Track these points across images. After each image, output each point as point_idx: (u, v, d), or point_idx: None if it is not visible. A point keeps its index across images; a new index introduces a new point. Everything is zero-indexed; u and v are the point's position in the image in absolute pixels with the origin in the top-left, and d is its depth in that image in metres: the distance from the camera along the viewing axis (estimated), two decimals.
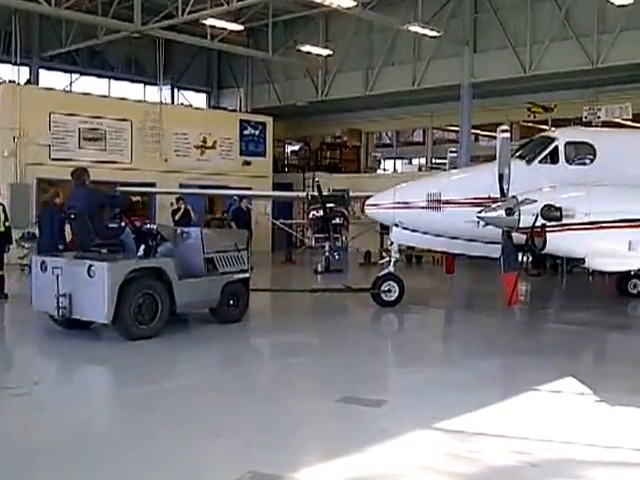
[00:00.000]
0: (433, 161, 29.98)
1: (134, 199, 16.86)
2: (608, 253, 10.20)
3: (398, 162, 33.59)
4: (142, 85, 31.79)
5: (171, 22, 23.80)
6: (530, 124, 26.19)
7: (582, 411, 6.67)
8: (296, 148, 34.09)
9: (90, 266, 9.09)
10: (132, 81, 31.66)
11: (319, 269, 19.47)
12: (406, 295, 12.98)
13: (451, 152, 16.22)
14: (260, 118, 29.22)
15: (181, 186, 24.75)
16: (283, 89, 31.49)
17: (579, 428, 6.13)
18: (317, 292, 15.02)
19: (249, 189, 25.62)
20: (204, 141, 27.06)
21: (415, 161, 33.05)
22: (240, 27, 25.63)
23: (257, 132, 28.60)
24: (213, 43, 26.88)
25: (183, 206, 19.89)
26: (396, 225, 12.40)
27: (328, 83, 29.69)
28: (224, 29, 25.29)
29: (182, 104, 32.27)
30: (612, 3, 20.03)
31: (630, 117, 22.28)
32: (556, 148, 12.41)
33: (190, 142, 26.68)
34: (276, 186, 28.70)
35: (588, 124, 21.83)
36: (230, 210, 22.16)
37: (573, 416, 6.52)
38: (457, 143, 26.47)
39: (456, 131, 27.64)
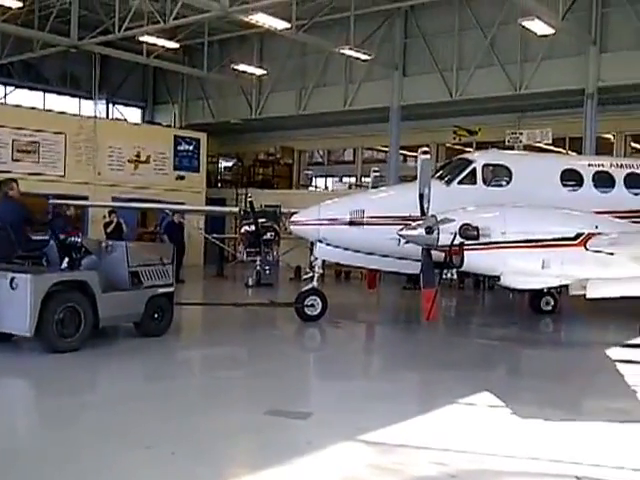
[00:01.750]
0: (363, 179, 30.68)
1: (68, 212, 16.73)
2: (522, 271, 10.51)
3: (329, 180, 34.26)
4: (77, 99, 31.62)
5: (107, 38, 23.89)
6: (457, 146, 27.18)
7: (498, 423, 6.84)
8: (230, 164, 34.40)
9: (13, 278, 8.97)
10: (67, 95, 31.46)
11: (250, 283, 19.76)
12: (331, 310, 13.18)
13: (374, 172, 16.74)
14: (194, 134, 29.41)
15: (114, 199, 24.70)
16: (217, 106, 31.80)
17: (495, 439, 6.29)
18: (242, 306, 15.11)
19: (182, 203, 25.74)
20: (138, 155, 27.08)
21: (346, 179, 33.75)
22: (176, 45, 25.91)
23: (191, 148, 28.78)
24: (149, 60, 27.09)
25: (115, 219, 19.89)
26: (320, 241, 12.58)
27: (262, 102, 30.18)
28: (160, 46, 25.49)
29: (117, 119, 32.21)
30: (534, 33, 21.07)
31: (550, 141, 23.39)
32: (474, 170, 12.90)
33: (124, 156, 26.68)
34: (209, 201, 28.91)
35: (510, 148, 22.81)
36: (163, 224, 22.24)
37: (490, 428, 6.69)
38: (386, 163, 27.30)
39: (385, 151, 28.46)
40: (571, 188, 13.32)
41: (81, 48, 24.62)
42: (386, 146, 27.73)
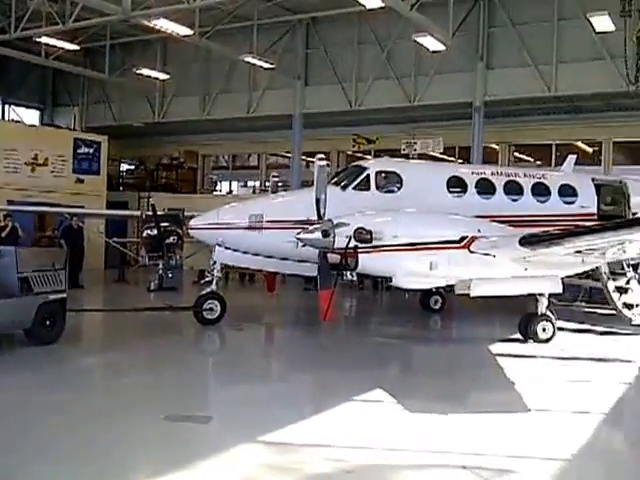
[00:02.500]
0: (267, 184, 31.21)
1: None
2: (412, 272, 10.96)
3: (234, 184, 34.56)
4: None
5: (4, 37, 23.34)
6: (357, 154, 28.15)
7: (392, 419, 7.08)
8: (132, 167, 34.07)
9: None
10: None
11: (152, 287, 19.68)
12: (232, 312, 13.24)
13: (273, 177, 17.16)
14: (95, 137, 29.02)
15: (9, 203, 24.04)
16: (119, 109, 31.57)
17: (390, 435, 6.52)
18: (139, 311, 14.87)
19: (82, 207, 25.36)
20: (35, 158, 26.44)
21: (250, 184, 34.18)
22: (76, 47, 25.61)
23: (91, 150, 28.35)
24: (47, 61, 26.56)
25: (10, 223, 19.38)
26: (219, 245, 12.69)
27: (165, 106, 30.25)
28: (59, 48, 25.13)
29: (13, 120, 31.29)
30: (427, 49, 22.23)
31: (442, 150, 24.73)
32: (368, 176, 13.39)
33: (20, 159, 26.01)
34: (111, 205, 28.56)
35: (406, 156, 23.90)
36: (61, 228, 21.90)
37: (384, 424, 6.92)
38: (289, 168, 27.96)
39: (288, 157, 29.11)
40: (456, 194, 14.00)
41: None
42: (289, 152, 28.39)
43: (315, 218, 11.34)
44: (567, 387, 9.00)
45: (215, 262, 13.04)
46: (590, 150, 25.98)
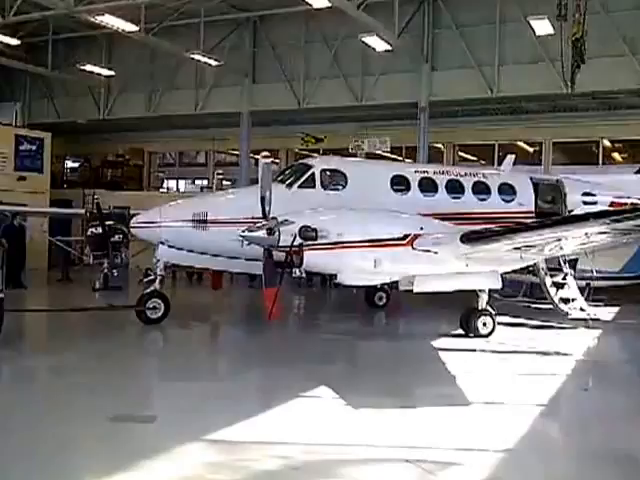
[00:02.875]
0: (215, 182, 31.09)
1: None
2: (357, 269, 11.06)
3: (181, 182, 34.30)
4: None
5: None
6: (305, 152, 28.28)
7: (337, 414, 7.16)
8: (76, 165, 33.47)
9: None
10: None
11: (97, 286, 19.45)
12: (178, 311, 13.12)
13: (218, 174, 17.13)
14: (38, 133, 28.41)
15: None
16: (63, 106, 30.95)
17: (335, 430, 6.61)
18: (79, 311, 14.53)
19: (24, 205, 24.82)
20: None
21: (198, 182, 33.99)
22: (16, 41, 25.00)
23: (34, 147, 27.77)
24: None
25: None
26: (162, 243, 12.57)
27: (110, 102, 29.79)
28: (0, 42, 24.52)
29: None
30: (374, 49, 22.51)
31: (389, 150, 25.00)
32: (313, 174, 13.48)
33: None
34: (55, 202, 28.03)
35: (354, 155, 24.11)
36: (1, 226, 21.40)
37: (330, 420, 6.99)
38: (238, 166, 27.91)
39: (237, 155, 29.04)
40: (400, 192, 14.20)
41: None
42: (238, 150, 28.33)
43: (260, 216, 11.34)
44: (507, 380, 9.25)
45: (158, 260, 12.91)
46: (531, 150, 26.72)
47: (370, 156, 24.44)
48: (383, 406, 7.48)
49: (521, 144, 26.74)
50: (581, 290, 16.91)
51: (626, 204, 16.00)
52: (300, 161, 15.16)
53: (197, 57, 24.31)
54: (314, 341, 12.38)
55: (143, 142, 32.97)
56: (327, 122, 27.48)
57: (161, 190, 33.89)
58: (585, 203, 16.00)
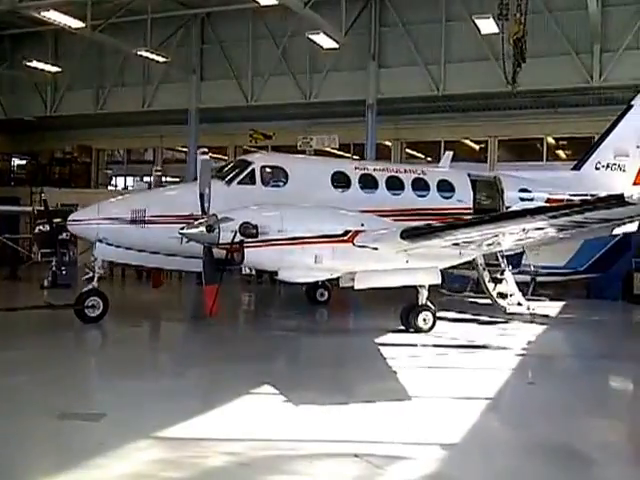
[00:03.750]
0: (163, 179, 30.97)
1: None
2: (297, 266, 10.99)
3: (129, 179, 34.03)
4: None
5: None
6: (253, 149, 28.33)
7: (283, 411, 7.15)
8: (23, 162, 32.95)
9: None
10: None
11: (45, 284, 19.26)
12: (123, 309, 13.01)
13: (156, 171, 17.00)
14: None
15: None
16: (9, 102, 30.45)
17: (282, 426, 6.59)
18: (16, 310, 13.99)
19: None
20: None
21: (146, 178, 33.77)
22: None
23: None
24: None
25: None
26: (100, 241, 12.30)
27: (57, 99, 29.43)
28: None
29: None
30: (321, 46, 22.77)
31: (337, 147, 25.30)
32: (253, 171, 13.31)
33: None
34: (1, 200, 27.52)
35: (302, 152, 24.29)
36: None
37: (276, 416, 6.98)
38: (186, 163, 27.88)
39: (185, 152, 28.99)
40: (340, 189, 14.20)
41: None
42: (186, 147, 28.29)
43: (199, 213, 11.25)
44: (448, 374, 9.36)
45: (96, 258, 12.64)
46: (477, 147, 27.34)
47: (319, 153, 24.61)
48: (328, 402, 7.53)
49: (467, 142, 27.31)
50: (526, 285, 17.52)
51: (562, 200, 16.26)
52: (240, 157, 14.97)
53: (144, 54, 24.23)
54: (255, 338, 12.34)
55: (91, 139, 32.62)
56: (276, 119, 27.55)
57: (109, 187, 33.59)
58: (522, 199, 16.38)
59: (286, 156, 15.78)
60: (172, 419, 6.69)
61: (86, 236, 12.82)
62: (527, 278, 17.34)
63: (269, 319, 15.56)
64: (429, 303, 12.53)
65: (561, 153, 26.62)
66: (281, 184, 13.66)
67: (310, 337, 12.59)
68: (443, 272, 15.02)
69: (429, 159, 27.64)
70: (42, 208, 19.34)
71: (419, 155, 28.50)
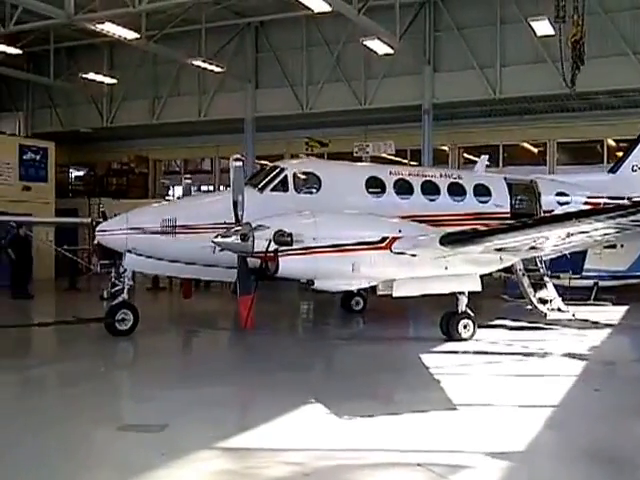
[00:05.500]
0: (221, 188, 31.08)
1: None
2: (334, 274, 10.69)
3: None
4: None
5: None
6: (313, 157, 28.20)
7: (335, 420, 7.02)
8: (81, 174, 33.50)
9: None
10: None
11: (105, 295, 19.39)
12: (154, 320, 12.80)
13: (186, 179, 16.82)
14: (41, 143, 28.43)
15: None
16: (66, 115, 31.03)
17: (340, 436, 6.51)
18: (47, 326, 13.87)
19: (29, 215, 24.84)
20: None
21: (204, 188, 33.96)
22: (18, 51, 25.04)
23: (38, 157, 27.76)
24: None
25: None
26: (129, 251, 11.99)
27: (113, 110, 29.84)
28: (1, 52, 24.55)
29: None
30: (375, 52, 22.50)
31: (393, 153, 25.00)
32: (285, 177, 12.92)
33: None
34: (60, 212, 28.03)
35: (359, 159, 24.07)
36: (7, 237, 21.44)
37: (329, 425, 6.86)
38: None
39: (243, 160, 28.91)
40: (375, 195, 13.80)
41: None
42: (242, 155, 28.28)
43: (232, 221, 10.93)
44: (506, 382, 9.08)
45: (125, 270, 12.34)
46: (535, 151, 26.62)
47: (375, 160, 24.37)
48: (382, 411, 7.34)
49: (525, 145, 26.64)
50: (589, 289, 17.03)
51: (599, 203, 15.94)
52: (272, 164, 14.58)
53: (199, 64, 24.34)
54: (300, 347, 12.14)
55: (148, 150, 32.98)
56: (331, 126, 27.43)
57: (167, 197, 33.87)
58: (559, 203, 15.93)
59: (319, 161, 15.54)
60: (230, 429, 6.68)
61: (115, 246, 12.37)
62: (590, 283, 17.02)
63: (325, 327, 15.22)
64: (469, 310, 12.07)
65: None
66: (314, 190, 13.22)
67: (350, 345, 12.30)
68: (504, 278, 14.57)
69: (487, 163, 26.95)
70: (101, 219, 19.49)
71: (476, 159, 27.79)
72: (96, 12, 20.06)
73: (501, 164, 25.62)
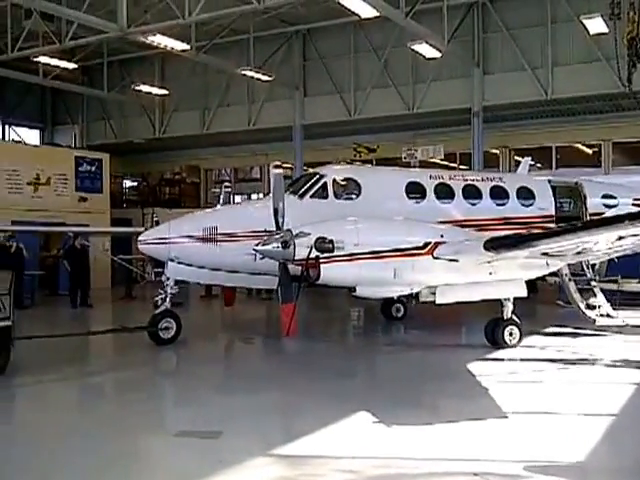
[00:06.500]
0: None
1: None
2: (376, 281, 10.54)
3: (237, 197, 34.57)
4: None
5: (1, 58, 23.47)
6: (358, 163, 28.21)
7: (388, 428, 6.96)
8: (135, 184, 34.18)
9: None
10: None
11: (159, 303, 19.70)
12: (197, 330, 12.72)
13: (225, 187, 16.93)
14: (96, 154, 29.08)
15: (13, 223, 24.12)
16: (119, 126, 31.76)
17: (395, 444, 6.44)
18: (94, 334, 14.09)
19: (86, 225, 25.43)
20: (37, 177, 26.45)
21: (254, 196, 34.24)
22: (74, 65, 25.76)
23: (93, 168, 28.37)
24: (46, 80, 26.72)
25: (15, 244, 19.41)
26: (171, 260, 11.97)
27: (165, 121, 30.44)
28: (57, 66, 25.29)
29: (14, 140, 31.45)
30: (423, 56, 22.40)
31: (442, 157, 24.77)
32: (325, 184, 12.80)
33: (22, 179, 26.09)
34: (115, 222, 28.60)
35: (407, 164, 23.96)
36: (64, 248, 21.94)
37: (382, 434, 6.80)
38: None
39: (291, 168, 29.20)
40: (415, 200, 13.59)
41: None
42: (291, 163, 28.50)
43: (273, 229, 10.90)
44: (553, 390, 8.86)
45: (168, 278, 12.30)
46: (590, 152, 26.02)
47: (423, 165, 24.20)
48: (434, 420, 7.25)
49: (579, 146, 26.07)
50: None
51: None
52: (312, 170, 14.51)
53: (248, 73, 24.61)
54: (344, 355, 11.98)
55: (199, 159, 33.50)
56: (379, 131, 27.35)
57: (218, 206, 34.14)
58: (606, 206, 15.36)
59: (358, 167, 15.34)
60: (283, 435, 6.73)
61: (157, 255, 12.40)
62: None
63: (369, 335, 15.01)
64: (515, 317, 11.78)
65: None
66: (354, 196, 13.07)
67: (412, 352, 12.08)
68: (559, 284, 14.17)
69: (539, 165, 26.55)
70: None
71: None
72: (147, 25, 20.49)
73: (554, 166, 25.10)
